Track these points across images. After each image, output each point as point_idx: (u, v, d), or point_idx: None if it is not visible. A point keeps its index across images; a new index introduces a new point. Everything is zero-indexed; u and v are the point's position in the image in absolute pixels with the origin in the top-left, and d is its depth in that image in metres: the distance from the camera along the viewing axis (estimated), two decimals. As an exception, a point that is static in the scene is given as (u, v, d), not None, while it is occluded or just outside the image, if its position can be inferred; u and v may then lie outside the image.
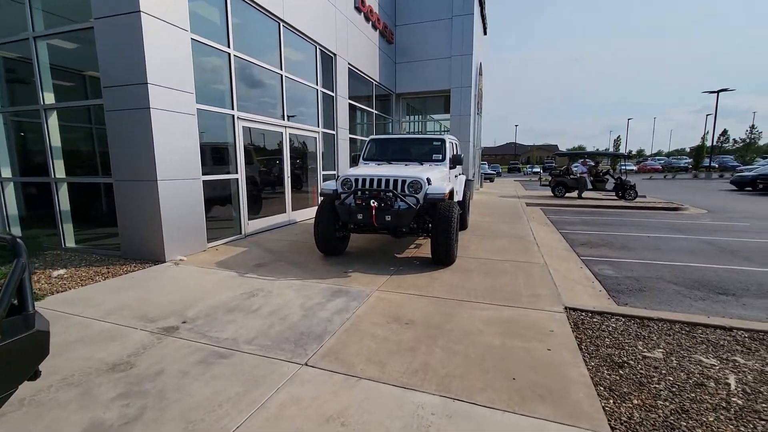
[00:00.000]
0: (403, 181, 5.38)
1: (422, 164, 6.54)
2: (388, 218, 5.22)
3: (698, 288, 4.98)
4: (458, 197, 7.68)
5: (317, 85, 9.90)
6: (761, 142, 74.44)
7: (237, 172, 7.10)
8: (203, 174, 6.30)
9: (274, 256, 6.03)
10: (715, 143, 52.48)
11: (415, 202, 5.28)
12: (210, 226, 6.58)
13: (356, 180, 5.57)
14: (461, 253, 6.21)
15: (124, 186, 5.59)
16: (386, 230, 5.53)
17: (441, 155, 6.69)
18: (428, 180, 5.39)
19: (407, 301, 4.09)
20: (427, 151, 6.90)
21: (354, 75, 12.24)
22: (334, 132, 10.95)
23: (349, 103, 11.86)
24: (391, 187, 5.39)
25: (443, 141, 6.83)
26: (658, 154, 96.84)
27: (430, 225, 5.49)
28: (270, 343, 3.14)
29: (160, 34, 5.29)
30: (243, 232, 7.35)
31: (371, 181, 5.49)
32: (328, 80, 10.59)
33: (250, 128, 7.43)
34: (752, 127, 78.11)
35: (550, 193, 18.59)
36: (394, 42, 15.70)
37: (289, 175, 8.74)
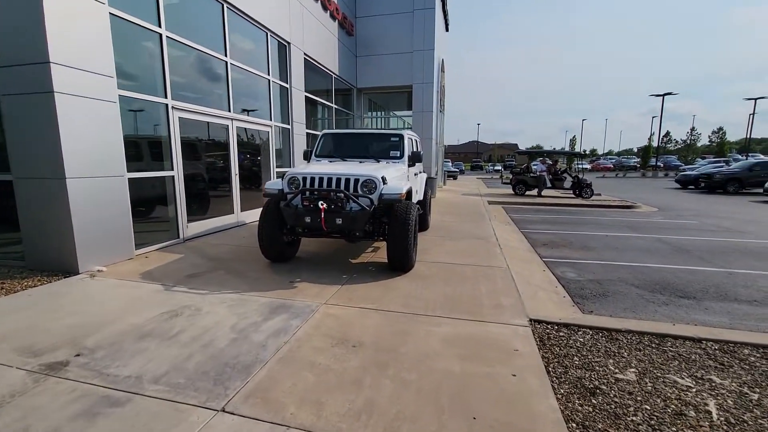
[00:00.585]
0: (356, 180, 4.88)
1: (378, 161, 6.07)
2: (339, 221, 4.71)
3: (660, 291, 4.84)
4: (418, 196, 7.29)
5: (269, 75, 9.18)
6: (699, 144, 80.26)
7: (173, 169, 6.31)
8: (130, 171, 5.50)
9: (213, 263, 5.36)
10: (660, 144, 55.85)
11: (368, 203, 4.79)
12: (141, 230, 5.79)
13: (304, 178, 5.01)
14: (421, 256, 5.81)
15: (26, 184, 4.72)
16: (338, 234, 5.02)
17: (399, 152, 6.24)
18: (383, 179, 4.92)
19: (358, 317, 3.61)
20: (384, 147, 6.43)
21: (311, 67, 11.57)
22: (289, 126, 10.26)
23: (307, 97, 11.19)
24: (342, 186, 4.88)
25: (401, 137, 6.40)
26: (609, 153, 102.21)
27: (386, 227, 5.04)
28: (183, 381, 2.55)
29: (67, 1, 4.47)
30: (181, 236, 6.58)
31: (321, 180, 4.95)
32: (283, 71, 9.88)
33: (188, 120, 6.65)
34: (692, 129, 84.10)
35: (511, 191, 18.75)
36: (354, 34, 15.12)
37: (237, 172, 8.00)
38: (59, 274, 4.75)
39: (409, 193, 5.24)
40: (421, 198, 7.71)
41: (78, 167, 4.67)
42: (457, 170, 33.97)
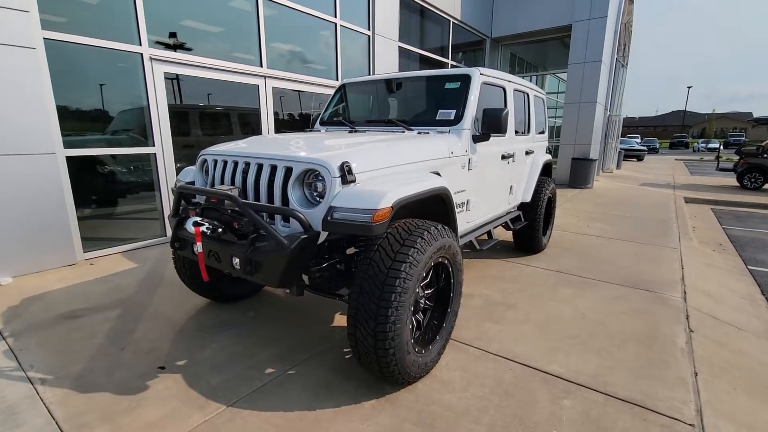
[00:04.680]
0: (287, 171, 2.14)
1: (411, 131, 3.05)
2: (236, 262, 2.09)
3: None
4: (519, 196, 4.03)
5: (335, 16, 6.79)
6: None
7: (154, 145, 4.68)
8: (72, 146, 4.03)
9: (129, 293, 3.47)
10: None
11: (303, 227, 2.01)
12: (108, 226, 4.39)
13: (215, 163, 2.52)
14: (479, 328, 2.71)
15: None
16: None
17: (456, 110, 3.06)
18: (344, 169, 2.01)
19: None
20: (432, 104, 3.35)
21: (412, 7, 8.70)
22: (370, 88, 7.78)
23: (406, 51, 8.45)
24: (254, 184, 2.23)
25: (466, 79, 3.15)
26: None
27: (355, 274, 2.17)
28: None
29: None
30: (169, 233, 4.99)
31: (234, 167, 2.39)
32: (360, 11, 7.36)
33: (184, 76, 4.88)
34: None
35: (735, 182, 12.17)
36: (491, -36, 11.33)
37: (273, 148, 6.03)
38: (-44, 283, 3.58)
39: (411, 202, 2.13)
40: (528, 199, 4.32)
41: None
42: (643, 149, 25.54)
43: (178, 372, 2.34)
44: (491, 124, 2.92)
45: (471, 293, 3.52)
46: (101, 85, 4.31)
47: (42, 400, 2.09)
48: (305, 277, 2.20)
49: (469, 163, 3.03)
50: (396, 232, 2.06)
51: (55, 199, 3.90)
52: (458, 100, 3.09)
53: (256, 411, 2.03)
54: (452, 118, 3.02)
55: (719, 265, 5.02)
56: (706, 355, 2.68)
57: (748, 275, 4.80)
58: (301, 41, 6.46)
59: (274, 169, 2.18)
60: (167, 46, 4.77)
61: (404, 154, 2.43)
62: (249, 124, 5.80)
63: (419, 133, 2.96)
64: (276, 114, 6.07)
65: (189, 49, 4.92)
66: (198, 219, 2.10)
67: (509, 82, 3.71)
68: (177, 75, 4.82)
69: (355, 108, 3.91)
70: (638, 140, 32.75)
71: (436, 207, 2.53)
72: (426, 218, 2.43)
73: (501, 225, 4.05)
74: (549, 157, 4.89)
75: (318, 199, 2.10)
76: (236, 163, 2.37)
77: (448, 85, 3.23)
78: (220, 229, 2.09)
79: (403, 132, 3.02)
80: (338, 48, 6.94)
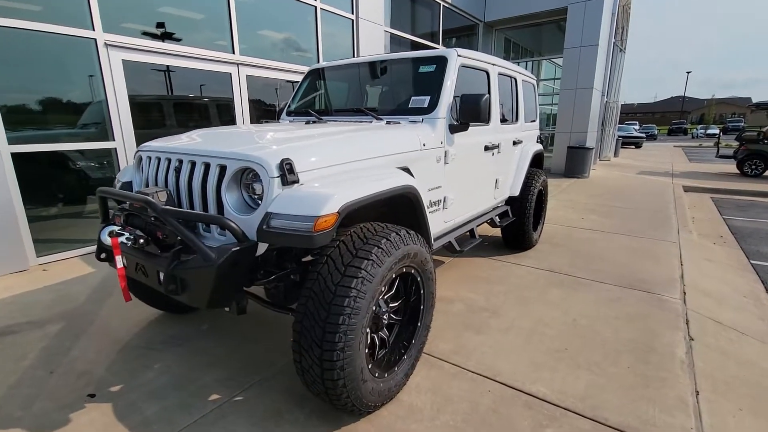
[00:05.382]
0: (221, 170, 1.82)
1: (380, 121, 2.72)
2: (167, 282, 1.78)
3: None
4: (507, 190, 3.75)
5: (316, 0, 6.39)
6: None
7: (114, 139, 4.33)
8: (17, 142, 3.69)
9: (81, 301, 3.17)
10: None
11: (236, 236, 1.69)
12: (66, 227, 4.09)
13: (149, 160, 2.20)
14: (461, 338, 2.42)
15: None
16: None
17: (430, 97, 2.72)
18: (284, 168, 1.68)
19: None
20: (406, 90, 3.01)
21: (400, -10, 8.28)
22: (355, 76, 7.40)
23: (395, 37, 8.05)
24: (189, 183, 1.91)
25: (442, 61, 2.81)
26: None
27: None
28: None
29: None
30: (141, 233, 4.68)
31: (168, 165, 2.07)
32: (344, -6, 6.95)
33: (145, 64, 4.52)
34: None
35: (735, 169, 11.90)
36: (483, -56, 10.85)
37: (249, 141, 5.69)
38: None
39: (360, 207, 1.80)
40: (517, 193, 4.02)
41: None
42: (641, 136, 25.08)
43: (110, 400, 2.05)
44: (469, 111, 2.58)
45: (452, 297, 3.23)
46: (51, 75, 3.94)
47: (-58, 440, 1.80)
48: (264, 289, 1.91)
49: (445, 156, 2.71)
50: (350, 240, 1.75)
51: (1, 200, 3.58)
52: (433, 86, 2.75)
53: (187, 451, 1.74)
54: (426, 105, 2.69)
55: (720, 260, 4.74)
56: (708, 369, 2.40)
57: (751, 270, 4.52)
58: (277, 26, 6.07)
59: (208, 167, 1.87)
60: (154, 36, 4.47)
61: (365, 148, 2.11)
62: (221, 116, 5.45)
63: (388, 123, 2.63)
64: (254, 104, 5.72)
65: (157, 36, 4.55)
66: (116, 228, 1.79)
67: (493, 65, 3.37)
68: (165, 66, 4.45)
69: (326, 96, 3.56)
70: (637, 127, 32.27)
71: (404, 208, 2.22)
72: (395, 221, 2.12)
73: (486, 222, 3.74)
74: (540, 146, 4.56)
75: (259, 202, 1.79)
76: (169, 161, 2.05)
77: (422, 69, 2.89)
78: (141, 240, 1.78)
79: (371, 122, 2.69)
80: (319, 33, 6.55)
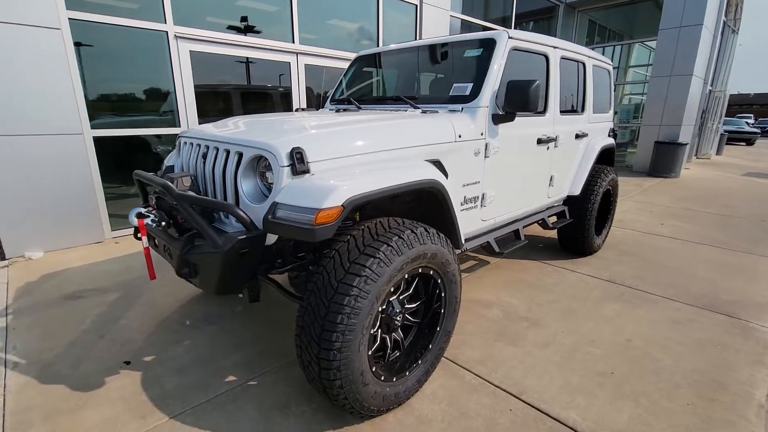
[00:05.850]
0: (237, 157, 1.82)
1: (416, 110, 2.55)
2: (185, 269, 1.84)
3: None
4: (566, 189, 3.42)
5: (377, -15, 6.28)
6: None
7: (180, 126, 4.67)
8: (99, 127, 4.13)
9: (131, 277, 3.47)
10: None
11: (244, 225, 1.68)
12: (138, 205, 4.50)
13: (186, 144, 2.29)
14: (495, 348, 2.25)
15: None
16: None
17: (473, 85, 2.49)
18: (294, 156, 1.62)
19: None
20: (450, 76, 2.81)
21: (469, -29, 7.86)
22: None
23: (460, 21, 7.71)
24: (210, 174, 1.95)
25: (489, 44, 2.56)
26: None
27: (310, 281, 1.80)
28: None
29: None
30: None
31: (198, 151, 2.13)
32: (407, -21, 6.75)
33: (209, 54, 4.77)
34: None
35: None
36: None
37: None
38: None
39: (360, 204, 1.66)
40: (578, 192, 3.62)
41: (-11, 121, 3.47)
42: (755, 131, 21.39)
43: (140, 369, 2.21)
44: (516, 100, 2.32)
45: (490, 301, 3.01)
46: (127, 65, 4.33)
47: (4, 387, 2.06)
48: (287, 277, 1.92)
49: (486, 148, 2.48)
50: (360, 235, 1.66)
51: (84, 178, 4.04)
52: (478, 72, 2.53)
53: (196, 429, 1.80)
54: (467, 93, 2.48)
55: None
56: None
57: None
58: (337, 13, 6.07)
59: (228, 154, 1.88)
60: (238, 30, 4.77)
61: (388, 139, 1.98)
62: (280, 104, 5.62)
63: (424, 112, 2.46)
64: (311, 92, 5.82)
65: (222, 27, 4.79)
66: (142, 210, 1.88)
67: (554, 48, 3.02)
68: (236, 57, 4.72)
69: (373, 83, 3.47)
70: (750, 121, 27.80)
71: (430, 204, 2.07)
72: (423, 218, 1.99)
73: (537, 222, 3.42)
74: (611, 141, 4.06)
75: (256, 196, 1.77)
76: (200, 147, 2.11)
77: (468, 53, 2.66)
78: (164, 222, 1.85)
79: (406, 111, 2.54)
80: (380, 19, 6.45)
